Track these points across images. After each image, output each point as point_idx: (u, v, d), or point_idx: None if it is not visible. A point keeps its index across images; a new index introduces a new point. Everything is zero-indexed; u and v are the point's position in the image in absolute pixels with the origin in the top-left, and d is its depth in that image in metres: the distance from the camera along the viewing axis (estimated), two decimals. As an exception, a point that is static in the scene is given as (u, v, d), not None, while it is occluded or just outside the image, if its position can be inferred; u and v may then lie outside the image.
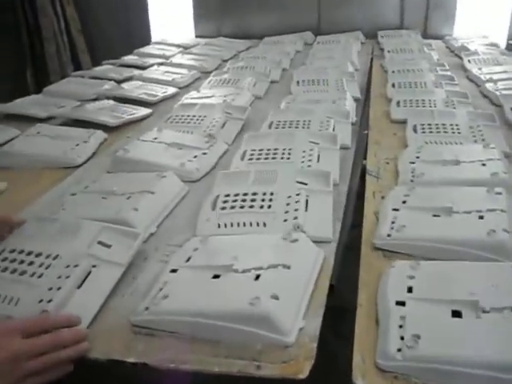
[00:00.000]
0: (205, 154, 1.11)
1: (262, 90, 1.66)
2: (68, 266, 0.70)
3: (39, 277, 0.69)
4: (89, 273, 0.70)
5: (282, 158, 1.04)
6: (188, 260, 0.72)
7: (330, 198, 0.88)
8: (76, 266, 0.70)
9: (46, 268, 0.70)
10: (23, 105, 1.51)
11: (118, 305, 0.68)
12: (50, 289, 0.66)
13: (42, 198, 0.99)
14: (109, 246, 0.75)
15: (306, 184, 0.91)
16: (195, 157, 1.09)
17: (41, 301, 0.65)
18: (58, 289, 0.66)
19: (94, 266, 0.71)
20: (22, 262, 0.71)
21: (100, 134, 1.27)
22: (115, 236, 0.76)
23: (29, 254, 0.73)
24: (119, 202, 0.88)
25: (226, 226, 0.82)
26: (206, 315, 0.61)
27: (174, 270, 0.70)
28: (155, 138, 1.15)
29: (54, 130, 1.27)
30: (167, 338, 0.62)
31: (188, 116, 1.32)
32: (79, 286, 0.68)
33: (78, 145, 1.19)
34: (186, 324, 0.61)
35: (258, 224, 0.81)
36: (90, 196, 0.92)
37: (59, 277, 0.68)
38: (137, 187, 0.91)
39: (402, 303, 0.62)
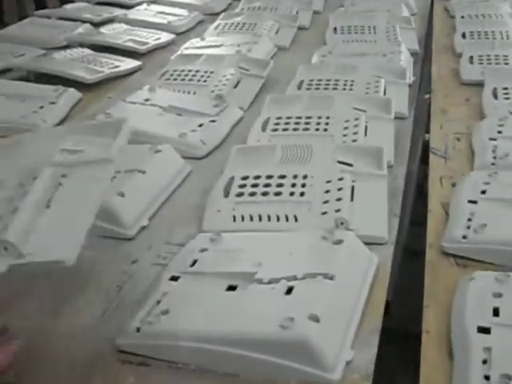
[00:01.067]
0: (213, 121, 1.11)
1: (288, 39, 1.67)
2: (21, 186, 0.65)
3: None
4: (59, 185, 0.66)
5: (318, 130, 1.04)
6: (193, 264, 0.72)
7: (384, 183, 0.88)
8: (34, 178, 0.65)
9: None
10: (-30, 53, 1.52)
11: (97, 324, 0.68)
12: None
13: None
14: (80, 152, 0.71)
15: (350, 165, 0.92)
16: (200, 126, 1.09)
17: None
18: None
19: (63, 176, 0.67)
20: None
21: (72, 93, 1.27)
22: (86, 139, 0.72)
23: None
24: (99, 183, 0.87)
25: (243, 219, 0.82)
26: (218, 340, 0.60)
27: (174, 278, 0.70)
28: (146, 100, 1.16)
29: (10, 87, 1.27)
30: (166, 369, 0.61)
31: (189, 71, 1.32)
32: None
33: (42, 107, 1.19)
34: (191, 351, 0.61)
35: (287, 217, 0.81)
36: (61, 175, 0.92)
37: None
38: (123, 165, 0.90)
39: (485, 330, 0.61)
